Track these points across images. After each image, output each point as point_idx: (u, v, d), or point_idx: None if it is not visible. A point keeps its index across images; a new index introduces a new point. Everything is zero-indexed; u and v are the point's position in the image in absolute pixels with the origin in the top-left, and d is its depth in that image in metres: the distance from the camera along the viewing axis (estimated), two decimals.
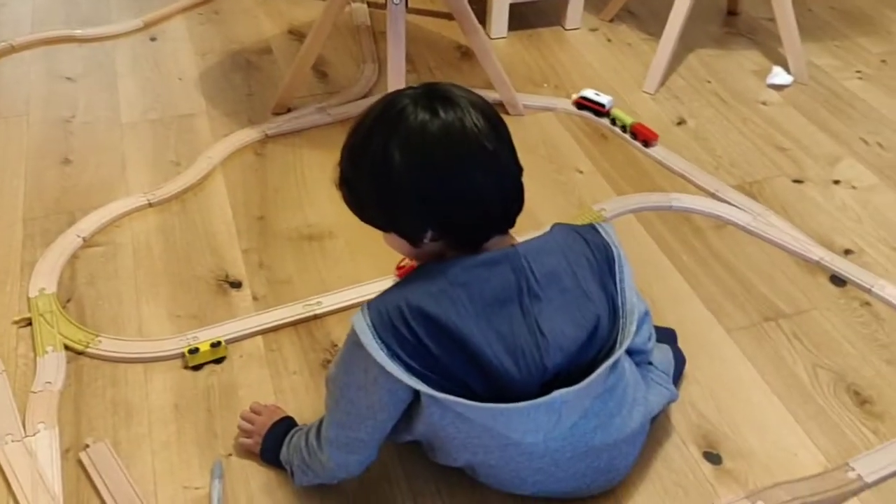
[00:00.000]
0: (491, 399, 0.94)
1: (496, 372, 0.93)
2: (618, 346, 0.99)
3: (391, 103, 0.95)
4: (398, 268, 1.40)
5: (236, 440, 1.17)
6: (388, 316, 0.92)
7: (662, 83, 2.00)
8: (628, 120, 1.84)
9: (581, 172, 1.71)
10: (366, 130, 0.96)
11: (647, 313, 1.11)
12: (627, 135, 1.82)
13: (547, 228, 1.04)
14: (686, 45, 2.11)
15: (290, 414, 1.18)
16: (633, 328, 1.00)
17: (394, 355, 0.92)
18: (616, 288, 1.01)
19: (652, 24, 2.23)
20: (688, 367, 1.28)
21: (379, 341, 0.92)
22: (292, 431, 1.12)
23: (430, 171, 0.93)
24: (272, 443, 1.13)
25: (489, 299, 0.94)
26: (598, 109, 1.87)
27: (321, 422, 1.05)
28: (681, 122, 1.87)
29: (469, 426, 0.97)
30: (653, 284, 1.45)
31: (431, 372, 0.93)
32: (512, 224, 1.00)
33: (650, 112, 1.90)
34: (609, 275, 1.01)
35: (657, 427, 1.19)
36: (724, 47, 2.15)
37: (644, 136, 1.80)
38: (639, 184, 1.69)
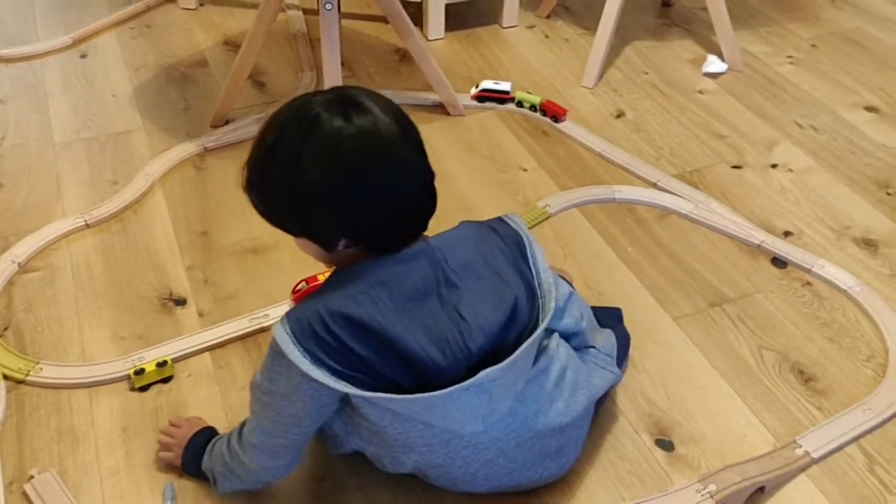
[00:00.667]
0: (421, 392, 0.94)
1: (423, 363, 0.94)
2: (540, 322, 1.01)
3: (303, 109, 0.94)
4: (294, 291, 1.37)
5: (157, 455, 1.16)
6: (307, 323, 0.93)
7: (601, 77, 2.01)
8: (536, 99, 1.88)
9: (525, 170, 1.72)
10: (276, 136, 0.95)
11: (570, 294, 1.14)
12: (538, 114, 1.87)
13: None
14: (622, 37, 2.13)
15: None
16: (553, 305, 1.02)
17: (318, 361, 0.92)
18: (531, 271, 1.04)
19: (588, 18, 2.25)
20: (636, 356, 1.29)
21: (301, 349, 0.92)
22: (214, 440, 1.12)
23: (345, 178, 0.93)
24: (193, 453, 1.12)
25: (409, 294, 0.95)
26: (501, 97, 1.90)
27: (243, 425, 1.05)
28: (620, 115, 1.89)
29: (408, 425, 0.98)
30: (599, 277, 1.46)
31: (359, 373, 0.94)
32: (425, 228, 1.01)
33: (590, 106, 1.92)
34: (522, 260, 1.04)
35: (608, 416, 1.21)
36: (659, 38, 2.18)
37: (553, 112, 1.86)
38: (582, 178, 1.70)
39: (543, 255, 1.06)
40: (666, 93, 1.97)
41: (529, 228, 1.52)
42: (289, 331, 0.94)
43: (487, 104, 1.90)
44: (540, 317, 1.02)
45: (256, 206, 1.01)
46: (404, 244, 0.98)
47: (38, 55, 2.04)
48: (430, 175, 1.00)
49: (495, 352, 0.98)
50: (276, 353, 0.94)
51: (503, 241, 1.04)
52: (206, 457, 1.10)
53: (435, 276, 0.97)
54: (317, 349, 0.93)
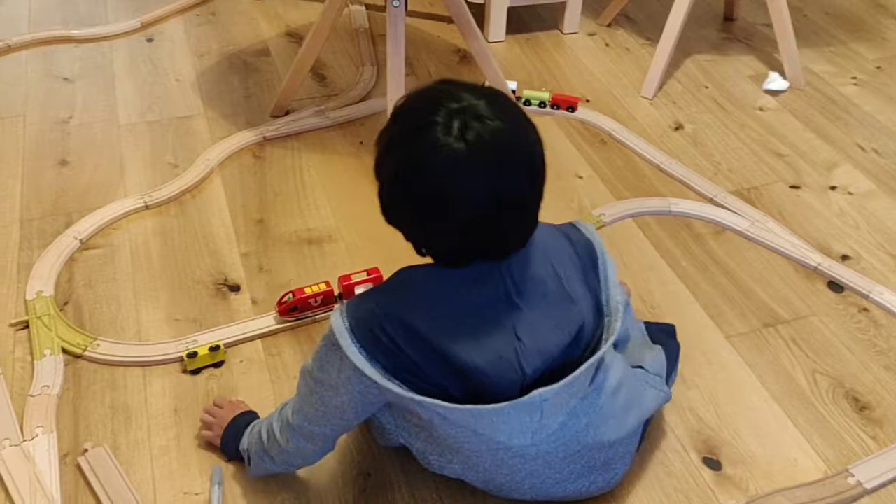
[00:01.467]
0: (471, 402, 0.94)
1: (474, 377, 0.94)
2: (603, 343, 1.00)
3: (424, 108, 0.90)
4: (279, 304, 1.34)
5: (198, 433, 1.18)
6: (365, 320, 0.93)
7: (660, 88, 2.00)
8: (545, 95, 1.89)
9: (580, 177, 1.71)
10: (391, 137, 0.92)
11: (627, 304, 1.12)
12: (549, 108, 1.89)
13: None
14: (683, 50, 2.11)
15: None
16: (619, 325, 1.00)
17: (372, 358, 0.93)
18: (600, 285, 1.01)
19: (650, 29, 2.24)
20: (686, 372, 1.28)
21: (357, 345, 0.93)
22: (253, 423, 1.13)
23: (413, 197, 0.90)
24: (232, 435, 1.14)
25: (469, 310, 0.94)
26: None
27: (284, 406, 1.07)
28: (679, 128, 1.88)
29: (456, 429, 0.98)
30: (653, 290, 1.45)
31: (410, 375, 0.94)
32: (504, 251, 0.95)
33: (648, 117, 1.90)
34: (593, 271, 1.02)
35: (657, 431, 1.20)
36: (721, 53, 2.16)
37: (567, 103, 1.88)
38: (638, 188, 1.69)
39: (615, 269, 1.03)
40: (725, 108, 1.95)
41: None
42: (347, 324, 0.94)
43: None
44: (604, 336, 1.00)
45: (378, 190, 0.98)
46: (471, 262, 0.94)
47: (107, 37, 2.08)
48: (534, 223, 0.94)
49: (553, 371, 0.97)
50: (332, 343, 0.95)
51: (575, 249, 1.02)
52: (244, 437, 1.12)
53: (498, 295, 0.95)
54: (372, 346, 0.93)
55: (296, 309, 1.33)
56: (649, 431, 1.16)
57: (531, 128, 0.92)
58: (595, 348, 1.00)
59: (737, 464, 1.17)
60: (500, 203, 0.88)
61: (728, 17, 2.31)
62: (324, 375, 0.98)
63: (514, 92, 1.89)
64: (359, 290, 1.34)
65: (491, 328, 0.94)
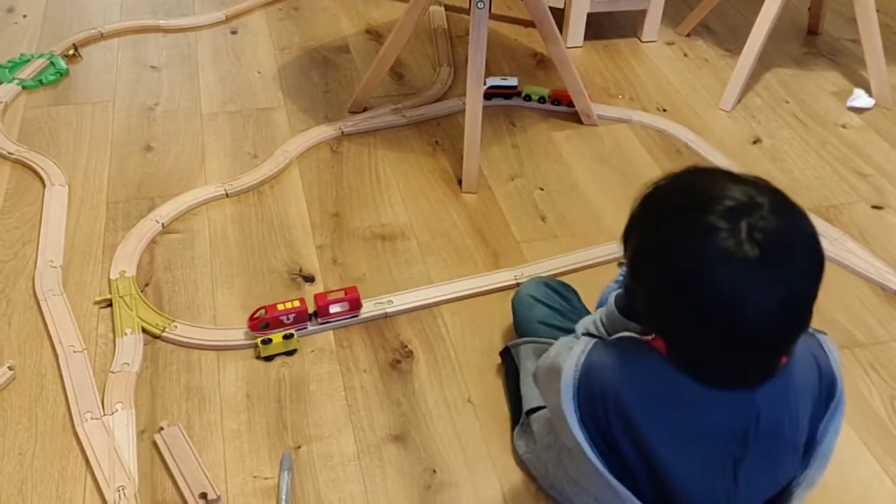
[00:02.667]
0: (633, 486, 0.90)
1: (675, 496, 0.90)
2: (795, 489, 0.94)
3: (709, 202, 0.79)
4: (251, 318, 1.32)
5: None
6: (593, 389, 0.89)
7: (739, 101, 1.97)
8: (544, 91, 1.89)
9: None
10: (662, 237, 0.83)
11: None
12: (548, 104, 1.89)
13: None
14: (764, 63, 2.07)
15: (359, 411, 1.20)
16: (820, 476, 0.93)
17: (583, 423, 0.89)
18: (819, 427, 0.93)
19: (730, 40, 2.21)
20: None
21: (575, 403, 0.89)
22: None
23: (682, 300, 0.80)
24: None
25: (700, 431, 0.87)
26: (509, 93, 1.91)
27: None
28: (756, 141, 1.85)
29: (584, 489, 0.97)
30: None
31: (612, 457, 0.90)
32: (759, 378, 0.85)
33: (726, 130, 1.88)
34: (822, 410, 0.93)
35: None
36: (803, 67, 2.12)
37: (568, 99, 1.87)
38: None
39: (843, 415, 0.94)
40: (806, 123, 1.91)
41: None
42: (575, 378, 0.89)
43: (495, 100, 1.90)
44: (797, 483, 0.94)
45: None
46: (721, 384, 0.85)
47: (193, 28, 2.13)
48: (804, 306, 0.81)
49: None
50: (555, 378, 0.92)
51: (820, 385, 0.92)
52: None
53: (737, 427, 0.87)
54: (587, 414, 0.89)
55: (267, 326, 1.31)
56: None
57: (807, 217, 0.82)
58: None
59: None
60: (789, 313, 0.79)
61: (812, 32, 2.26)
62: (544, 395, 1.02)
63: (514, 87, 1.90)
64: (334, 309, 1.33)
65: (716, 459, 0.88)
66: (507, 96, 1.91)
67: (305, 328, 1.33)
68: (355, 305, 1.35)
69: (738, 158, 1.77)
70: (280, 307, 1.32)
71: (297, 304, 1.33)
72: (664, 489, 0.90)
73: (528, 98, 1.90)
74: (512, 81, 1.91)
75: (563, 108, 1.89)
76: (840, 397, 0.93)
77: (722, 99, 1.96)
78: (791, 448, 0.91)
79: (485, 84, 1.85)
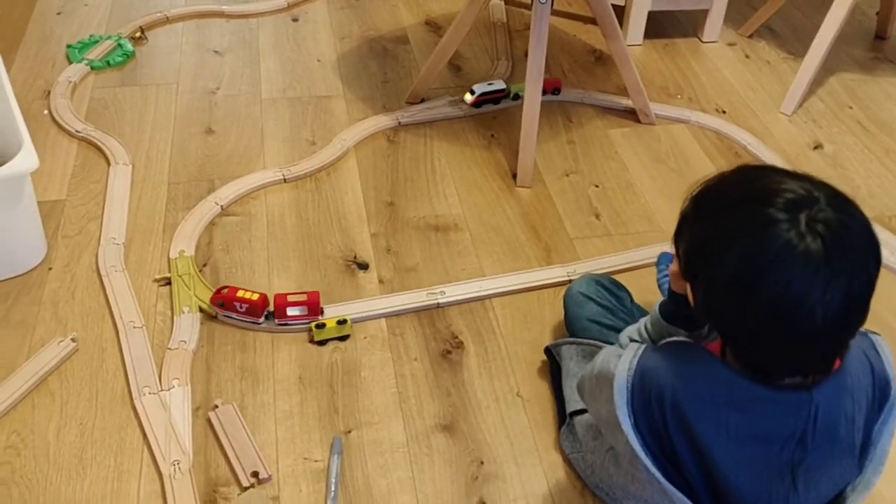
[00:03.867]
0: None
1: (731, 497, 0.88)
2: (849, 493, 0.92)
3: (769, 196, 0.79)
4: (217, 291, 1.34)
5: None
6: (649, 392, 0.88)
7: (801, 105, 1.94)
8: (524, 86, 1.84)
9: None
10: (728, 200, 0.84)
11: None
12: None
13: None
14: (828, 67, 2.03)
15: (408, 399, 1.22)
16: (875, 481, 0.90)
17: (637, 429, 0.88)
18: (874, 428, 0.91)
19: (793, 42, 2.17)
20: None
21: (629, 408, 0.88)
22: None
23: (739, 294, 0.79)
24: None
25: (758, 433, 0.86)
26: (498, 97, 1.86)
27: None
28: (817, 147, 1.82)
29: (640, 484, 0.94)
30: None
31: (666, 459, 0.89)
32: (820, 370, 0.85)
33: (786, 133, 1.85)
34: (877, 413, 0.91)
35: None
36: (869, 73, 2.07)
37: (550, 87, 1.88)
38: None
39: None
40: (870, 130, 1.87)
41: None
42: (628, 384, 0.88)
43: (485, 107, 1.85)
44: (850, 486, 0.92)
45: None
46: (778, 378, 0.85)
47: (255, 14, 2.16)
48: (863, 301, 0.79)
49: None
50: (605, 385, 0.91)
51: (874, 385, 0.90)
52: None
53: (794, 433, 0.85)
54: (642, 417, 0.88)
55: (222, 305, 1.32)
56: None
57: (862, 212, 0.81)
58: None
59: None
60: (850, 306, 0.77)
61: (879, 36, 2.22)
62: (592, 403, 0.99)
63: (502, 90, 1.85)
64: (291, 311, 1.32)
65: (773, 463, 0.87)
66: (496, 100, 1.85)
67: (257, 323, 1.32)
68: (314, 311, 1.33)
69: (798, 163, 1.75)
70: (240, 293, 1.32)
71: (256, 297, 1.31)
72: (720, 495, 0.89)
73: (517, 97, 1.85)
74: (499, 85, 1.85)
75: (547, 96, 1.85)
76: (893, 400, 0.91)
77: (783, 102, 1.93)
78: (848, 450, 0.89)
79: (472, 93, 1.84)
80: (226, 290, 1.34)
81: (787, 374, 0.84)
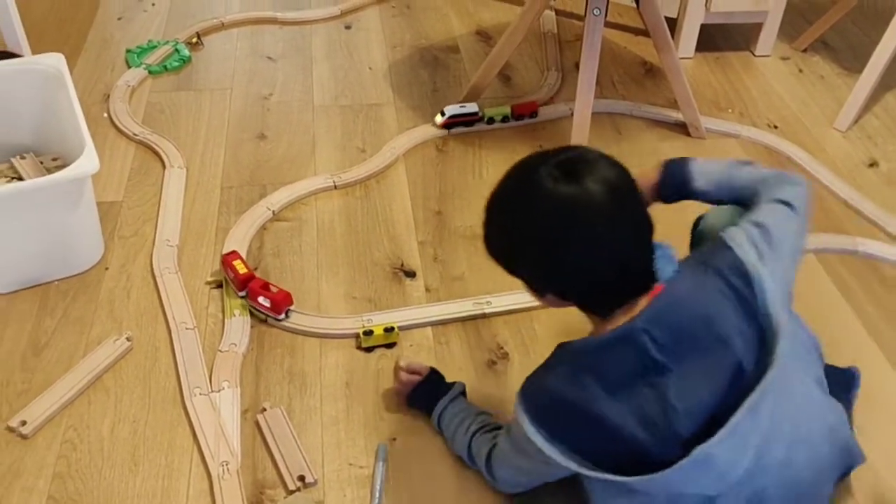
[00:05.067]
0: (637, 468, 0.93)
1: (635, 445, 0.93)
2: (769, 369, 0.93)
3: (528, 164, 0.97)
4: (247, 279, 1.38)
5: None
6: (539, 402, 0.97)
7: (856, 122, 1.91)
8: (505, 109, 1.83)
9: None
10: (501, 185, 0.99)
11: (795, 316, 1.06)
12: (512, 121, 1.83)
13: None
14: (885, 83, 2.00)
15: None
16: (784, 344, 0.93)
17: (548, 438, 0.95)
18: (758, 305, 0.95)
19: (848, 57, 2.14)
20: (869, 429, 1.21)
21: (535, 425, 0.96)
22: (458, 418, 1.18)
23: (544, 242, 0.93)
24: (422, 395, 1.23)
25: (614, 380, 0.93)
26: (470, 120, 1.81)
27: (492, 447, 1.11)
28: (873, 164, 1.79)
29: (647, 499, 0.97)
30: (834, 333, 1.38)
31: (583, 448, 0.95)
32: (639, 293, 0.95)
33: (840, 150, 1.82)
34: (750, 294, 0.95)
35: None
36: None
37: (528, 111, 1.84)
38: (822, 223, 1.62)
39: (773, 286, 0.95)
40: None
41: None
42: (524, 407, 0.97)
43: (456, 129, 1.81)
44: (770, 361, 0.94)
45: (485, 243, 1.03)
46: (613, 306, 0.96)
47: (308, 21, 2.19)
48: (639, 250, 0.95)
49: (717, 416, 0.92)
50: (517, 420, 0.98)
51: (727, 280, 0.96)
52: (450, 425, 1.19)
53: (640, 362, 0.93)
54: (545, 427, 0.96)
55: (246, 295, 1.38)
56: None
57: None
58: (759, 377, 0.94)
59: None
60: (636, 223, 0.95)
61: None
62: (515, 442, 1.04)
63: (475, 114, 1.80)
64: (261, 300, 1.35)
65: (641, 395, 0.93)
66: (469, 123, 1.81)
67: (277, 319, 1.36)
68: (276, 309, 1.35)
69: (852, 180, 1.72)
70: (236, 263, 1.39)
71: (246, 271, 1.39)
72: (632, 452, 0.93)
73: (490, 121, 1.82)
74: (471, 108, 1.81)
75: (527, 121, 1.83)
76: (756, 272, 0.95)
77: (837, 118, 1.91)
78: (714, 343, 0.93)
79: (442, 115, 1.81)
80: (253, 281, 1.38)
81: (600, 304, 0.97)
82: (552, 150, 0.97)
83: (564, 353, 0.99)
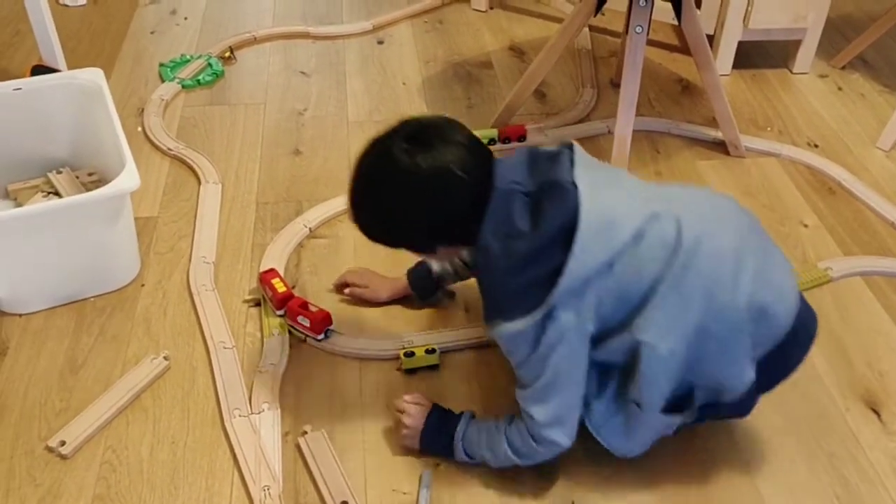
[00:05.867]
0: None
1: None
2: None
3: (379, 140, 1.07)
4: (285, 299, 1.36)
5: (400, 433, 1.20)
6: (527, 302, 1.04)
7: None
8: (492, 133, 1.80)
9: (805, 226, 1.63)
10: (365, 177, 1.09)
11: None
12: (499, 145, 1.79)
13: None
14: None
15: None
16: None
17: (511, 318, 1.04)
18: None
19: (888, 75, 2.11)
20: None
21: (502, 318, 1.04)
22: (487, 425, 1.16)
23: (423, 212, 1.06)
24: (433, 436, 1.18)
25: (524, 222, 1.05)
26: None
27: (511, 429, 1.12)
28: None
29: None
30: (881, 355, 1.35)
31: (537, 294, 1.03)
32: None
33: (884, 170, 1.79)
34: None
35: None
36: None
37: (515, 135, 1.80)
38: (868, 245, 1.59)
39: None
40: None
41: (806, 290, 1.46)
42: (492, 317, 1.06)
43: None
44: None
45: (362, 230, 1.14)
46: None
47: (341, 36, 2.19)
48: (488, 167, 1.07)
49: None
50: (548, 326, 1.04)
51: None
52: (468, 447, 1.15)
53: (523, 204, 1.06)
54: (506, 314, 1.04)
55: (284, 314, 1.36)
56: None
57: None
58: None
59: None
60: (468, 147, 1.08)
61: None
62: (527, 351, 1.05)
63: None
64: (301, 319, 1.33)
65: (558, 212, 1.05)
66: None
67: (316, 339, 1.34)
68: (316, 329, 1.33)
69: None
70: (275, 282, 1.38)
71: (284, 289, 1.37)
72: None
73: None
74: None
75: (512, 144, 1.79)
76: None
77: (880, 138, 1.87)
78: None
79: None
80: (292, 300, 1.36)
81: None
82: (391, 129, 1.07)
83: (494, 269, 1.04)
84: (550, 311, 1.02)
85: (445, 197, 1.04)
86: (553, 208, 1.02)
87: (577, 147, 1.10)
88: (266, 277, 1.39)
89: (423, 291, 1.40)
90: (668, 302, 1.02)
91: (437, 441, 1.17)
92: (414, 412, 1.18)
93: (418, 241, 1.12)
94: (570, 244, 1.00)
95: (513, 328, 1.03)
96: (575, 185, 1.03)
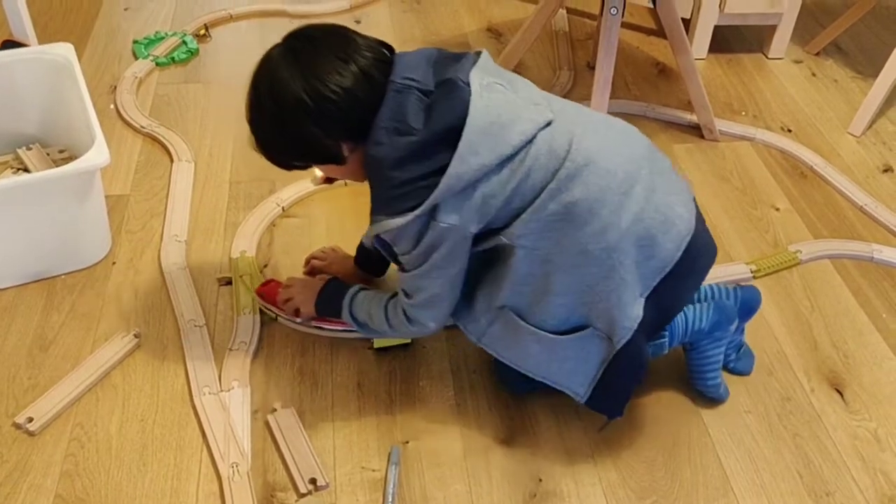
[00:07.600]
0: None
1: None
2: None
3: (265, 68, 1.12)
4: (264, 284, 1.38)
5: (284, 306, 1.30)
6: (410, 200, 1.05)
7: (870, 126, 1.89)
8: None
9: (777, 209, 1.65)
10: (257, 94, 1.11)
11: None
12: None
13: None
14: None
15: (467, 412, 1.21)
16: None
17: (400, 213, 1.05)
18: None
19: (862, 62, 2.12)
20: (884, 436, 1.21)
21: (382, 216, 1.07)
22: (361, 300, 1.22)
23: (321, 109, 1.04)
24: (326, 300, 1.26)
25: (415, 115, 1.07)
26: None
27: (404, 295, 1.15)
28: (887, 170, 1.77)
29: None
30: (847, 339, 1.37)
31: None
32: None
33: (854, 155, 1.81)
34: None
35: None
36: None
37: None
38: (838, 229, 1.61)
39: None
40: None
41: (775, 272, 1.48)
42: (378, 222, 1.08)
43: None
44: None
45: (270, 159, 1.16)
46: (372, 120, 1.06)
47: (317, 15, 2.17)
48: (379, 57, 1.09)
49: None
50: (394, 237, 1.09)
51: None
52: (353, 309, 1.22)
53: (419, 100, 1.07)
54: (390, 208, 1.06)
55: (262, 296, 1.36)
56: None
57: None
58: None
59: None
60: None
61: None
62: (411, 250, 1.09)
63: None
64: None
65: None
66: None
67: (293, 321, 1.34)
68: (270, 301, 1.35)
69: (865, 186, 1.71)
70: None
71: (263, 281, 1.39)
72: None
73: None
74: None
75: None
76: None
77: (852, 123, 1.89)
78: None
79: None
80: (271, 283, 1.36)
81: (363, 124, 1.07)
82: (273, 46, 1.13)
83: (381, 163, 1.05)
84: (432, 211, 1.03)
85: (326, 87, 1.03)
86: (443, 107, 1.02)
87: (486, 53, 1.10)
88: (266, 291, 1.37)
89: (369, 266, 1.39)
90: (547, 210, 1.03)
91: (329, 305, 1.25)
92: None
93: (314, 139, 1.07)
94: (458, 144, 1.00)
95: (394, 224, 1.04)
96: (468, 85, 1.03)
